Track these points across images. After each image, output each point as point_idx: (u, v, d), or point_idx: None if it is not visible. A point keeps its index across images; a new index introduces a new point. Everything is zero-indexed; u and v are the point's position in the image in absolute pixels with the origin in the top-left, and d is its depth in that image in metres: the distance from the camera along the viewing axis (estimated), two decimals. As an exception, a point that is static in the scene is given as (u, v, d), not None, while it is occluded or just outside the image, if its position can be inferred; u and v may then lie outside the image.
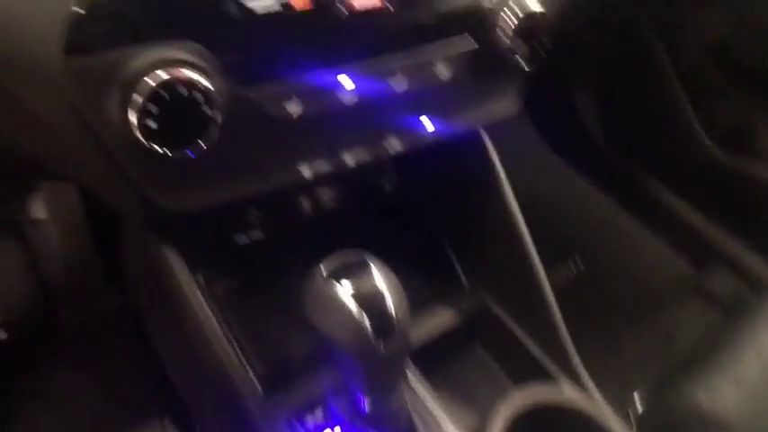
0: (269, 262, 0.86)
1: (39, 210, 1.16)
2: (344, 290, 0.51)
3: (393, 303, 0.52)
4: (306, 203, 0.84)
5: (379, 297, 0.52)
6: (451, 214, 0.93)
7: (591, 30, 1.32)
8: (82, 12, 0.48)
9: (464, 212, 0.91)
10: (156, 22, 0.51)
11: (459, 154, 0.84)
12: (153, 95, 0.49)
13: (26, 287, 1.22)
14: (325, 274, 0.53)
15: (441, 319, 0.84)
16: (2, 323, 1.24)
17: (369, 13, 0.59)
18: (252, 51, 0.56)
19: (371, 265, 0.53)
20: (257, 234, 0.81)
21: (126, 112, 0.50)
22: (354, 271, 0.53)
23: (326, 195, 0.86)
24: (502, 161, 0.84)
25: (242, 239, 0.81)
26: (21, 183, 1.11)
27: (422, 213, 0.95)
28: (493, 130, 0.83)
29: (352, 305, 0.50)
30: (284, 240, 0.87)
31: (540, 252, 0.84)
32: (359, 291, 0.51)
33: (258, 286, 0.85)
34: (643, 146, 1.48)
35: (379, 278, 0.52)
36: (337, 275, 0.52)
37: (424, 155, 0.76)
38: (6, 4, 0.48)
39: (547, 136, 1.58)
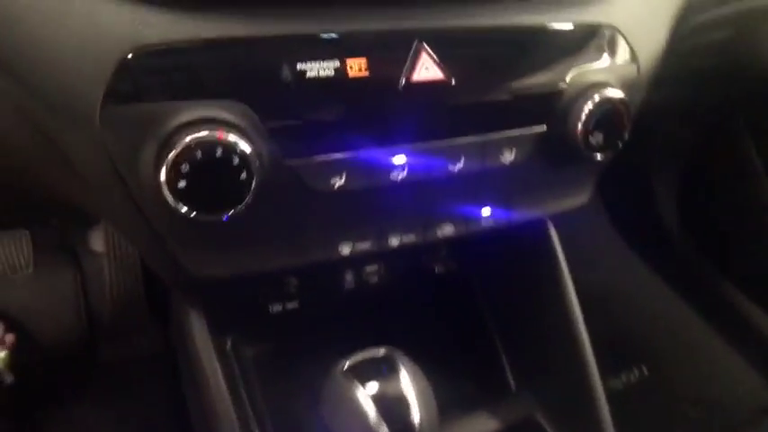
0: (304, 331, 0.82)
1: (97, 242, 1.19)
2: (365, 391, 0.45)
3: (419, 413, 0.45)
4: (348, 276, 0.79)
5: (403, 404, 0.46)
6: (506, 305, 0.86)
7: (676, 121, 1.25)
8: (130, 58, 0.45)
9: (520, 305, 0.84)
10: (204, 78, 0.48)
11: (520, 241, 0.77)
12: (186, 153, 0.46)
13: (73, 317, 1.24)
14: (345, 369, 0.47)
15: (480, 427, 0.75)
16: (44, 350, 1.25)
17: (428, 86, 0.55)
18: (300, 118, 0.52)
19: (400, 364, 0.47)
20: (292, 304, 0.76)
21: (159, 168, 0.47)
22: (379, 370, 0.47)
23: (370, 270, 0.80)
24: (568, 247, 0.77)
25: (276, 308, 0.76)
26: (84, 214, 1.13)
27: (473, 300, 0.88)
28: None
29: (371, 410, 0.44)
30: (322, 311, 0.82)
31: (600, 353, 0.76)
32: (381, 394, 0.45)
33: (291, 354, 0.81)
34: (722, 246, 1.37)
35: (407, 382, 0.46)
36: (359, 373, 0.46)
37: (482, 238, 0.70)
38: (54, 41, 0.46)
39: (619, 225, 1.49)
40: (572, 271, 0.78)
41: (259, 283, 0.72)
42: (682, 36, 0.75)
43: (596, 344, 0.76)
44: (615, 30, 0.65)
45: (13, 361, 1.22)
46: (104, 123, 0.47)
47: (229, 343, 0.74)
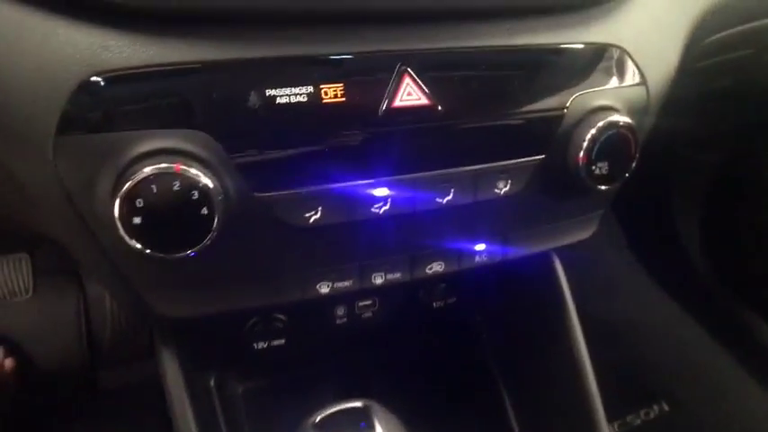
0: (295, 366, 0.78)
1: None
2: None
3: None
4: (339, 311, 0.74)
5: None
6: (508, 343, 0.81)
7: (695, 143, 1.20)
8: (86, 84, 0.42)
9: (523, 343, 0.79)
10: (165, 106, 0.45)
11: (523, 273, 0.72)
12: (141, 186, 0.42)
13: (74, 342, 1.23)
14: (316, 422, 0.42)
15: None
16: (43, 375, 1.23)
17: (412, 112, 0.50)
18: (270, 149, 0.48)
19: (375, 419, 0.42)
20: (279, 341, 0.72)
21: (113, 202, 0.43)
22: (353, 424, 0.42)
23: (363, 304, 0.75)
24: (583, 274, 0.72)
25: (261, 345, 0.72)
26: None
27: (474, 337, 0.82)
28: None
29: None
30: (312, 347, 0.78)
31: (617, 386, 0.70)
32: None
33: (280, 391, 0.77)
34: (745, 274, 1.30)
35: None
36: (329, 428, 0.42)
37: (481, 271, 0.65)
38: (6, 63, 0.42)
39: (638, 251, 1.43)
40: (588, 299, 0.73)
41: (241, 320, 0.68)
42: (695, 56, 0.70)
43: (612, 377, 0.71)
44: (621, 50, 0.60)
45: (12, 386, 1.20)
46: (58, 153, 0.44)
47: (213, 380, 0.70)
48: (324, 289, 0.55)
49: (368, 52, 0.49)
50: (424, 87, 0.50)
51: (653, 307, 1.38)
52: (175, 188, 0.43)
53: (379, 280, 0.57)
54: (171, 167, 0.43)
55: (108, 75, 0.43)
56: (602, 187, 0.58)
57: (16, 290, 1.21)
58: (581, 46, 0.58)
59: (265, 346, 0.71)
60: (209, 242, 0.45)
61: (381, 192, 0.51)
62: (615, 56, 0.59)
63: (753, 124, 1.12)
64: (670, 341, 1.33)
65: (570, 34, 0.57)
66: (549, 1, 0.56)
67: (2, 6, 0.41)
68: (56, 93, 0.42)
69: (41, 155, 0.44)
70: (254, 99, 0.46)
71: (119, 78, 0.43)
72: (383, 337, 0.79)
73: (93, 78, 0.42)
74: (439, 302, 0.78)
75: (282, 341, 0.71)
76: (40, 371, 1.24)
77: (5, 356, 1.22)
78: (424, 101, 0.50)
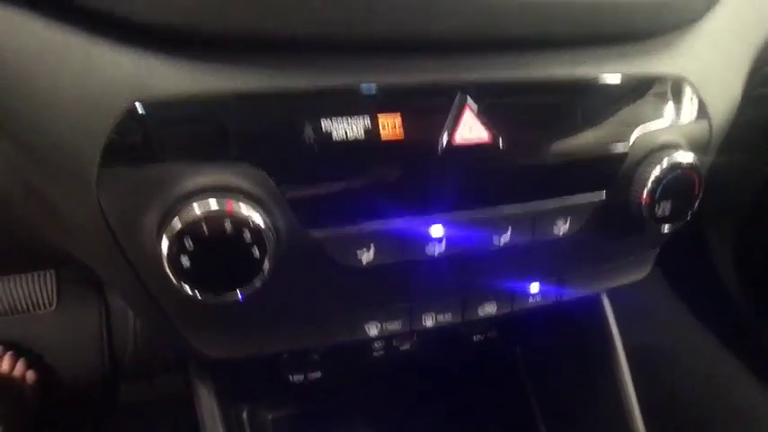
0: (330, 396, 0.75)
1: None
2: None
3: None
4: (376, 344, 0.71)
5: None
6: (550, 379, 0.78)
7: (733, 172, 1.16)
8: (131, 112, 0.40)
9: (566, 380, 0.76)
10: (215, 138, 0.42)
11: (570, 311, 0.69)
12: (190, 227, 0.40)
13: (96, 354, 1.22)
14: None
15: None
16: (65, 387, 1.22)
17: (472, 149, 0.47)
18: (323, 185, 0.45)
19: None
20: (315, 374, 0.70)
21: (160, 241, 0.41)
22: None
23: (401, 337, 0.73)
24: (617, 303, 0.69)
25: (297, 378, 0.69)
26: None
27: (514, 371, 0.79)
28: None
29: None
30: (348, 376, 0.75)
31: (650, 420, 0.67)
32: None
33: (309, 419, 0.74)
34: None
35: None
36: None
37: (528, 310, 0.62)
38: (49, 91, 0.40)
39: (673, 281, 1.39)
40: (621, 328, 0.70)
41: (278, 354, 0.66)
42: (754, 84, 0.67)
43: (646, 410, 0.68)
44: (686, 82, 0.57)
45: (33, 398, 1.19)
46: (102, 186, 0.41)
47: (245, 413, 0.68)
48: (372, 331, 0.53)
49: (428, 83, 0.46)
50: (485, 122, 0.47)
51: (687, 338, 1.34)
52: (227, 229, 0.41)
53: (429, 322, 0.54)
54: (223, 207, 0.40)
55: (153, 102, 0.40)
56: (665, 228, 0.55)
57: (40, 303, 1.20)
58: (645, 77, 0.55)
59: (301, 378, 0.69)
60: (258, 284, 0.43)
61: (436, 231, 0.49)
62: (679, 88, 0.56)
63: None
64: (705, 374, 1.30)
65: (634, 64, 0.54)
66: (613, 29, 0.53)
67: (43, 28, 0.39)
68: (100, 121, 0.40)
69: (84, 187, 0.42)
70: (308, 132, 0.43)
71: (164, 106, 0.41)
72: (419, 367, 0.77)
73: (140, 105, 0.40)
74: (479, 336, 0.75)
75: (319, 374, 0.69)
76: (61, 383, 1.23)
77: (27, 368, 1.21)
78: (484, 137, 0.47)
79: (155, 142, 0.41)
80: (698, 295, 1.38)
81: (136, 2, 0.39)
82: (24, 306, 1.19)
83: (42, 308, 1.20)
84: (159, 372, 1.24)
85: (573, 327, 0.72)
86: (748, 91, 0.66)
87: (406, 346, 0.73)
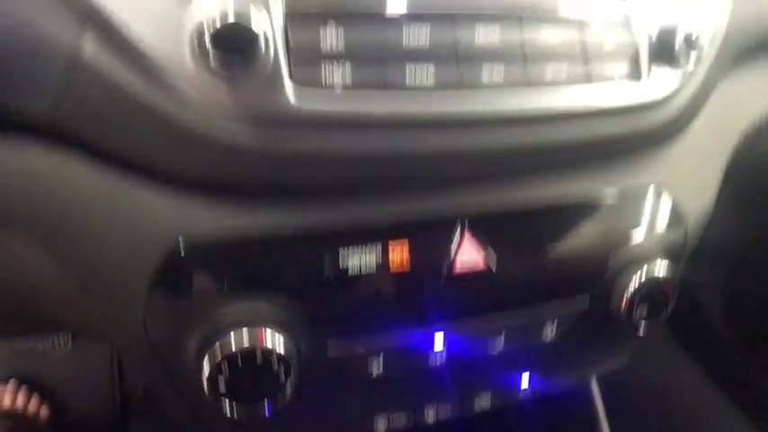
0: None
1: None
2: None
3: None
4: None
5: None
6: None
7: (724, 229, 1.20)
8: (175, 251, 0.46)
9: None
10: (248, 272, 0.49)
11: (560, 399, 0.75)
12: (226, 358, 0.47)
13: (107, 392, 1.24)
14: None
15: None
16: (76, 425, 1.26)
17: (470, 272, 0.54)
18: (341, 308, 0.52)
19: None
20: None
21: (200, 364, 0.47)
22: None
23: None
24: None
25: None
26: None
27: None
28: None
29: None
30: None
31: None
32: None
33: None
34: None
35: None
36: None
37: None
38: (102, 233, 0.46)
39: (671, 328, 1.43)
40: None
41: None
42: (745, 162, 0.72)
43: None
44: (664, 192, 0.62)
45: (46, 432, 1.23)
46: (148, 316, 0.48)
47: None
48: (380, 427, 0.59)
49: (431, 213, 0.52)
50: (483, 247, 0.54)
51: (675, 372, 1.38)
52: (258, 359, 0.47)
53: (431, 416, 0.61)
54: (254, 340, 0.47)
55: (194, 242, 0.47)
56: (640, 329, 0.62)
57: (55, 344, 1.25)
58: (625, 190, 0.60)
59: None
60: (283, 403, 0.49)
61: (438, 344, 0.55)
62: (659, 199, 0.62)
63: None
64: (692, 409, 1.34)
65: (619, 180, 0.60)
66: (598, 153, 0.58)
67: (96, 178, 0.45)
68: (146, 257, 0.46)
69: (131, 318, 0.48)
70: (328, 265, 0.50)
71: (204, 245, 0.47)
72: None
73: (181, 246, 0.46)
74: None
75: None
76: (73, 419, 1.26)
77: (41, 404, 1.26)
78: (481, 262, 0.54)
79: (194, 278, 0.47)
80: (686, 331, 1.42)
81: (179, 159, 0.45)
82: (41, 346, 1.24)
83: (58, 347, 1.25)
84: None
85: (562, 411, 0.78)
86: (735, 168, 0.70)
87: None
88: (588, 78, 0.53)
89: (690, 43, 0.54)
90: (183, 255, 0.46)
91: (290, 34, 0.43)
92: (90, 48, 0.42)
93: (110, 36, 0.41)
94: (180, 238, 0.46)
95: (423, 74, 0.47)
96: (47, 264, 0.47)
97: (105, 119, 0.43)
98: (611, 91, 0.54)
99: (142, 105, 0.42)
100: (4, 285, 0.51)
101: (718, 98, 0.65)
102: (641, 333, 0.61)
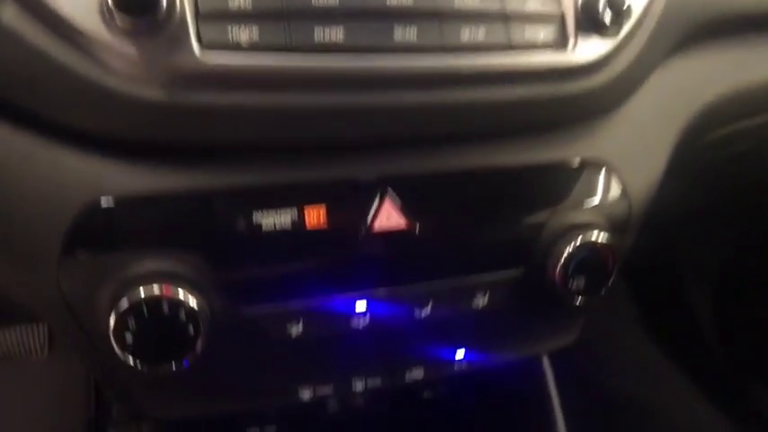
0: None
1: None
2: None
3: None
4: (332, 402, 0.76)
5: None
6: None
7: (709, 221, 1.19)
8: (88, 209, 0.46)
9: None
10: (160, 230, 0.49)
11: (510, 376, 0.73)
12: (132, 310, 0.46)
13: (84, 400, 1.24)
14: None
15: None
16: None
17: (391, 234, 0.53)
18: (255, 269, 0.51)
19: None
20: (271, 428, 0.74)
21: (108, 319, 0.47)
22: None
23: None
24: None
25: (253, 430, 0.74)
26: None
27: (466, 427, 0.84)
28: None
29: None
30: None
31: None
32: None
33: None
34: (763, 359, 1.27)
35: None
36: None
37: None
38: (17, 191, 0.47)
39: (652, 332, 1.41)
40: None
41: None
42: (697, 152, 0.71)
43: None
44: (605, 165, 0.61)
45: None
46: (62, 272, 0.48)
47: None
48: (305, 395, 0.58)
49: (349, 177, 0.52)
50: (404, 211, 0.53)
51: (665, 390, 1.35)
52: (165, 310, 0.47)
53: (359, 386, 0.59)
54: (161, 291, 0.47)
55: (108, 200, 0.47)
56: (578, 300, 0.60)
57: (32, 349, 1.25)
58: (561, 162, 0.59)
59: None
60: (193, 357, 0.49)
61: (360, 307, 0.55)
62: (598, 171, 0.61)
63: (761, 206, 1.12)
64: (680, 420, 1.30)
65: (554, 151, 0.59)
66: (529, 121, 0.57)
67: (11, 138, 0.46)
68: (60, 216, 0.47)
69: (46, 275, 0.48)
70: (241, 225, 0.50)
71: (118, 203, 0.47)
72: (375, 423, 0.81)
73: (95, 203, 0.47)
74: (429, 393, 0.80)
75: (274, 429, 0.74)
76: (50, 428, 1.26)
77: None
78: (402, 224, 0.53)
79: (107, 235, 0.48)
80: (675, 342, 1.39)
81: (93, 118, 0.46)
82: (17, 352, 1.24)
83: (34, 354, 1.25)
84: (146, 416, 1.26)
85: (513, 391, 0.76)
86: (688, 159, 0.70)
87: (360, 402, 0.78)
88: (508, 42, 0.53)
89: (617, 11, 0.54)
90: (96, 213, 0.47)
91: None
92: (10, 12, 0.43)
93: (28, 1, 0.43)
94: (94, 197, 0.47)
95: (331, 33, 0.47)
96: None
97: (22, 80, 0.44)
98: (531, 54, 0.54)
99: (59, 66, 0.43)
100: None
101: (666, 78, 0.65)
102: (577, 303, 0.60)
